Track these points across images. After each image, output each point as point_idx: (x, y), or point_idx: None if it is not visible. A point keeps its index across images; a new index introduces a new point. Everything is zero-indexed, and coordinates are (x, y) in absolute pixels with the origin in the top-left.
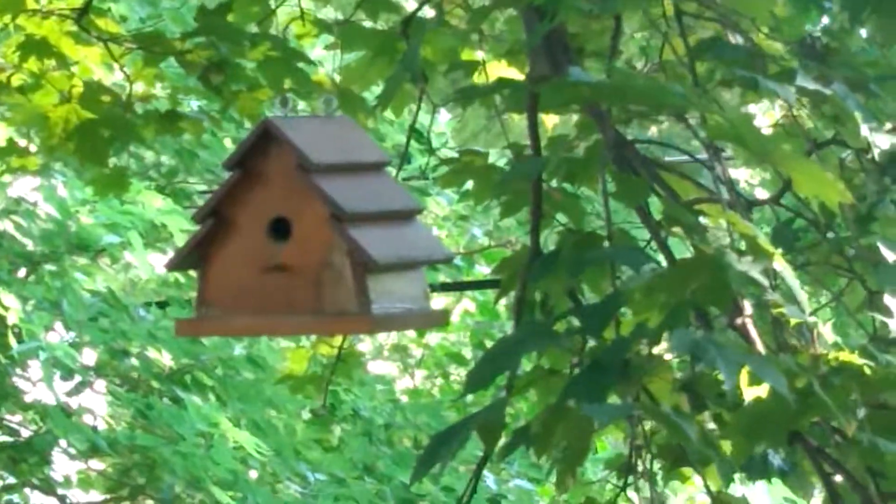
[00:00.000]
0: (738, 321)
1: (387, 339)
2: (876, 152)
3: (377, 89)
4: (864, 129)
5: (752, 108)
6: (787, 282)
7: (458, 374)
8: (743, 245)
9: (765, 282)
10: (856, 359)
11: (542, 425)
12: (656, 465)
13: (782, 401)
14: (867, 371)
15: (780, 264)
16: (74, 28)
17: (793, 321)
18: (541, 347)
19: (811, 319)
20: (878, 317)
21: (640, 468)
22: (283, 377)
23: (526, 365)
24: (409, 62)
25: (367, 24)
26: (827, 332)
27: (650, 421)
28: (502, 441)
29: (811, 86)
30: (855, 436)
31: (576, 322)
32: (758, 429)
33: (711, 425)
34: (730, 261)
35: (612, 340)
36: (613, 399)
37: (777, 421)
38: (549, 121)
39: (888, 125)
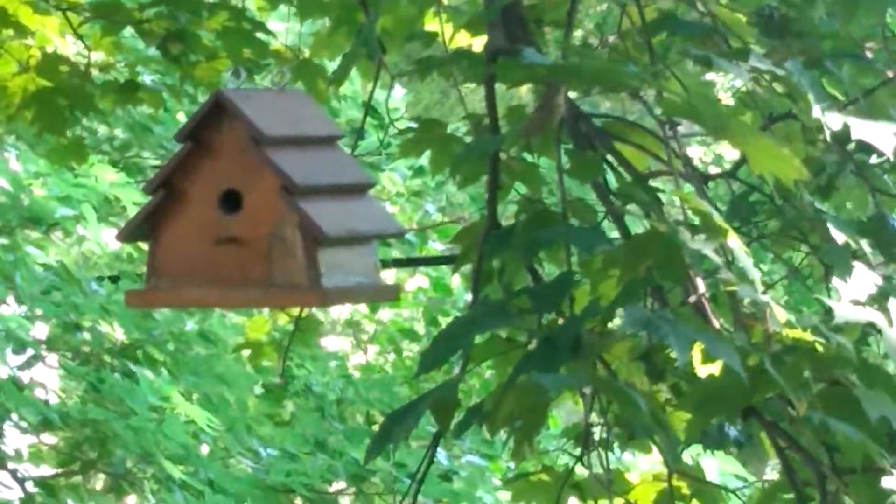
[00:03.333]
0: (692, 298)
1: (339, 313)
2: (827, 133)
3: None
4: (816, 111)
5: (714, 76)
6: (739, 260)
7: (411, 349)
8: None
9: (718, 259)
10: (808, 336)
11: (494, 403)
12: (612, 435)
13: (736, 376)
14: (819, 349)
15: (733, 241)
16: None
17: (746, 300)
18: (494, 327)
19: (764, 298)
20: (826, 301)
21: (596, 438)
22: (242, 344)
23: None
24: (365, 38)
25: None
26: (780, 310)
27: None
28: (455, 418)
29: (764, 66)
30: (806, 414)
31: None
32: (712, 403)
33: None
34: (683, 238)
35: (565, 319)
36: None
37: (731, 396)
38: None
39: (842, 100)
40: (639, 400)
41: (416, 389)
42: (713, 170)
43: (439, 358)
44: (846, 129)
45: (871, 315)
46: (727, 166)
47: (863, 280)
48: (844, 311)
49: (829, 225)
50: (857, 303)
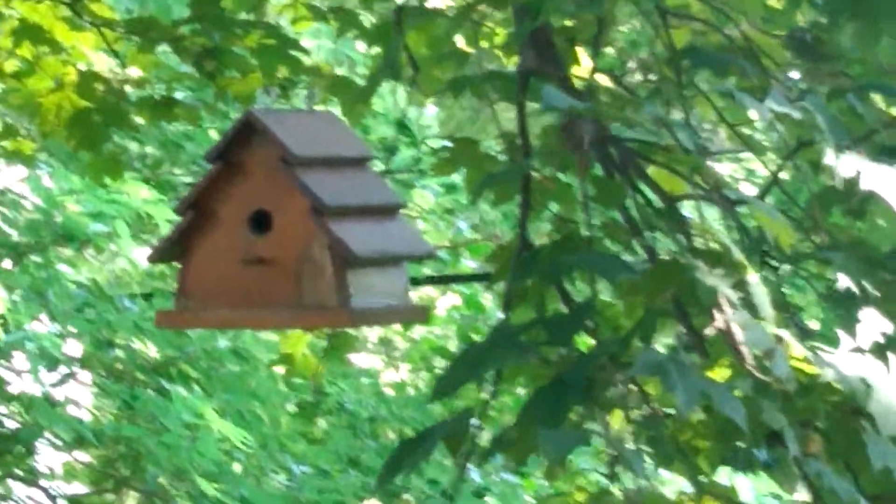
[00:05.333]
0: (709, 331)
1: (371, 331)
2: (837, 180)
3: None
4: (830, 157)
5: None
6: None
7: (443, 367)
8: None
9: (733, 297)
10: (823, 374)
11: (516, 434)
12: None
13: (755, 409)
14: (835, 386)
15: (752, 277)
16: (68, 13)
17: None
18: (509, 360)
19: (779, 335)
20: (821, 355)
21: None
22: (277, 360)
23: None
24: (390, 59)
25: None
26: (797, 345)
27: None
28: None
29: (781, 108)
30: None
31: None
32: (733, 432)
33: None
34: (699, 275)
35: (578, 357)
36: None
37: (752, 424)
38: None
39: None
40: (636, 462)
41: (449, 407)
42: (744, 186)
43: (455, 383)
44: (875, 148)
45: (867, 368)
46: (759, 180)
47: (868, 328)
48: (838, 365)
49: (838, 274)
50: (858, 350)
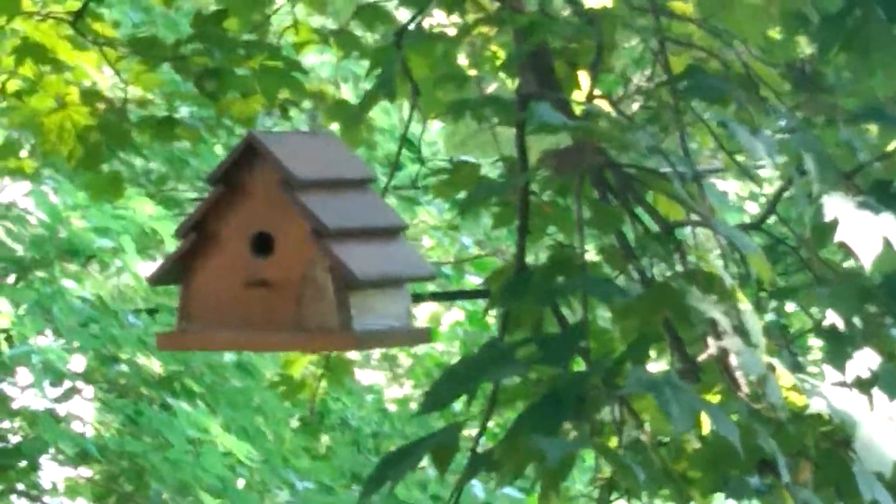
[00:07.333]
0: (702, 357)
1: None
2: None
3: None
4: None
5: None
6: (746, 324)
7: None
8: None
9: (726, 324)
10: (813, 405)
11: (503, 452)
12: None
13: (747, 435)
14: (824, 416)
15: (743, 305)
16: (70, 32)
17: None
18: (500, 376)
19: (768, 364)
20: (806, 386)
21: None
22: (278, 382)
23: None
24: (385, 78)
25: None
26: (786, 374)
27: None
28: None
29: (767, 150)
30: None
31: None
32: (725, 460)
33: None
34: (691, 300)
35: (571, 374)
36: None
37: (743, 451)
38: None
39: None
40: (636, 470)
41: (449, 422)
42: (749, 205)
43: (443, 398)
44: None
45: (851, 403)
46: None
47: (856, 363)
48: (822, 400)
49: (829, 312)
50: (842, 384)
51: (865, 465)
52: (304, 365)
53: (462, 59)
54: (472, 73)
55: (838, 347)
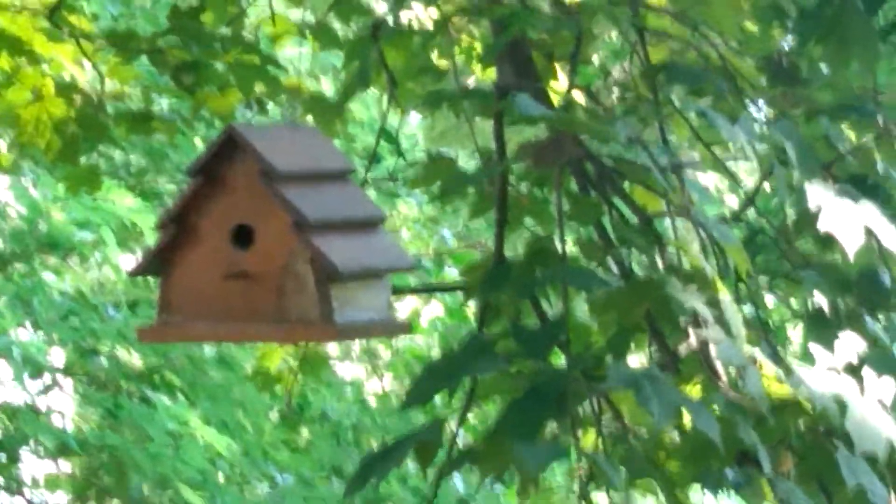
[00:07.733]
0: (682, 348)
1: (355, 341)
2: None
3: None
4: (782, 191)
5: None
6: (726, 313)
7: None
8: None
9: (707, 315)
10: (794, 395)
11: (484, 451)
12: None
13: (727, 427)
14: (806, 405)
15: (723, 296)
16: (46, 25)
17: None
18: (481, 371)
19: (749, 355)
20: (796, 371)
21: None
22: (255, 374)
23: None
24: (362, 71)
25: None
26: (768, 364)
27: (612, 430)
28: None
29: (747, 137)
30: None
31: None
32: (704, 452)
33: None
34: (671, 291)
35: (552, 370)
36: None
37: (723, 444)
38: None
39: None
40: (613, 476)
41: (432, 416)
42: (729, 197)
43: (425, 394)
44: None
45: (842, 386)
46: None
47: (844, 346)
48: (811, 383)
49: (814, 293)
50: (832, 369)
51: (858, 445)
52: (280, 357)
53: (435, 56)
54: (446, 64)
55: (824, 328)
